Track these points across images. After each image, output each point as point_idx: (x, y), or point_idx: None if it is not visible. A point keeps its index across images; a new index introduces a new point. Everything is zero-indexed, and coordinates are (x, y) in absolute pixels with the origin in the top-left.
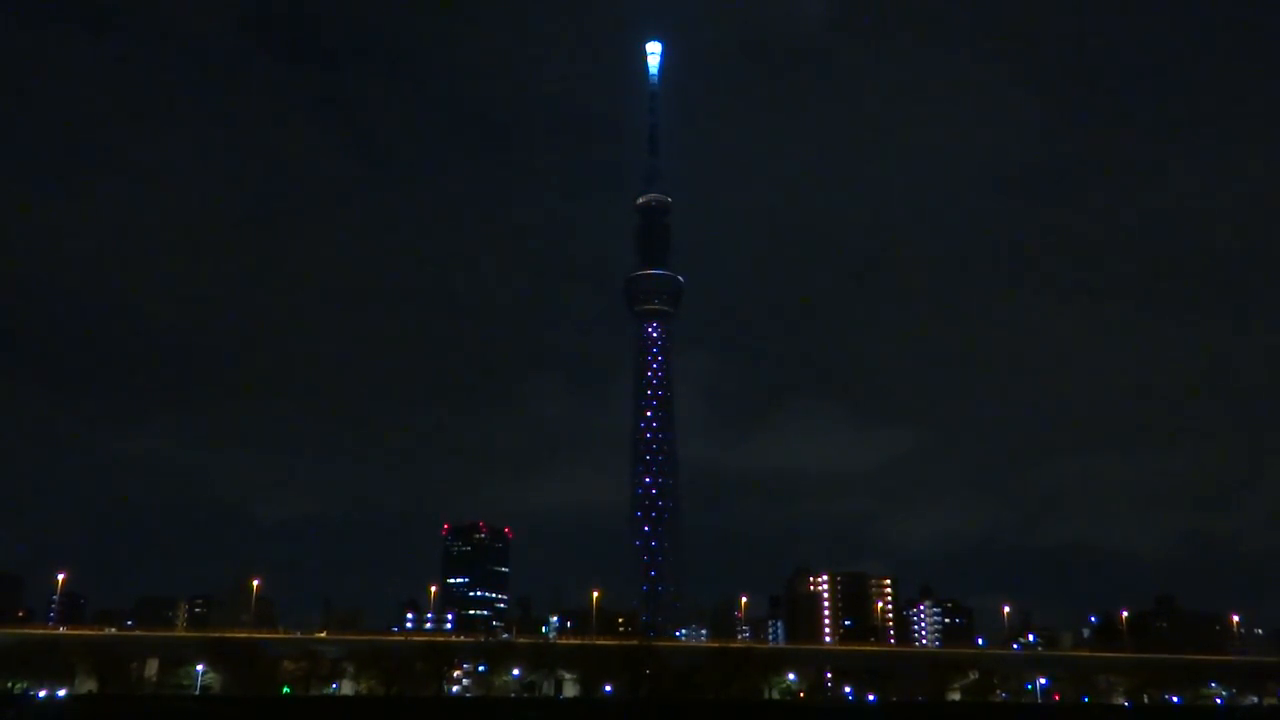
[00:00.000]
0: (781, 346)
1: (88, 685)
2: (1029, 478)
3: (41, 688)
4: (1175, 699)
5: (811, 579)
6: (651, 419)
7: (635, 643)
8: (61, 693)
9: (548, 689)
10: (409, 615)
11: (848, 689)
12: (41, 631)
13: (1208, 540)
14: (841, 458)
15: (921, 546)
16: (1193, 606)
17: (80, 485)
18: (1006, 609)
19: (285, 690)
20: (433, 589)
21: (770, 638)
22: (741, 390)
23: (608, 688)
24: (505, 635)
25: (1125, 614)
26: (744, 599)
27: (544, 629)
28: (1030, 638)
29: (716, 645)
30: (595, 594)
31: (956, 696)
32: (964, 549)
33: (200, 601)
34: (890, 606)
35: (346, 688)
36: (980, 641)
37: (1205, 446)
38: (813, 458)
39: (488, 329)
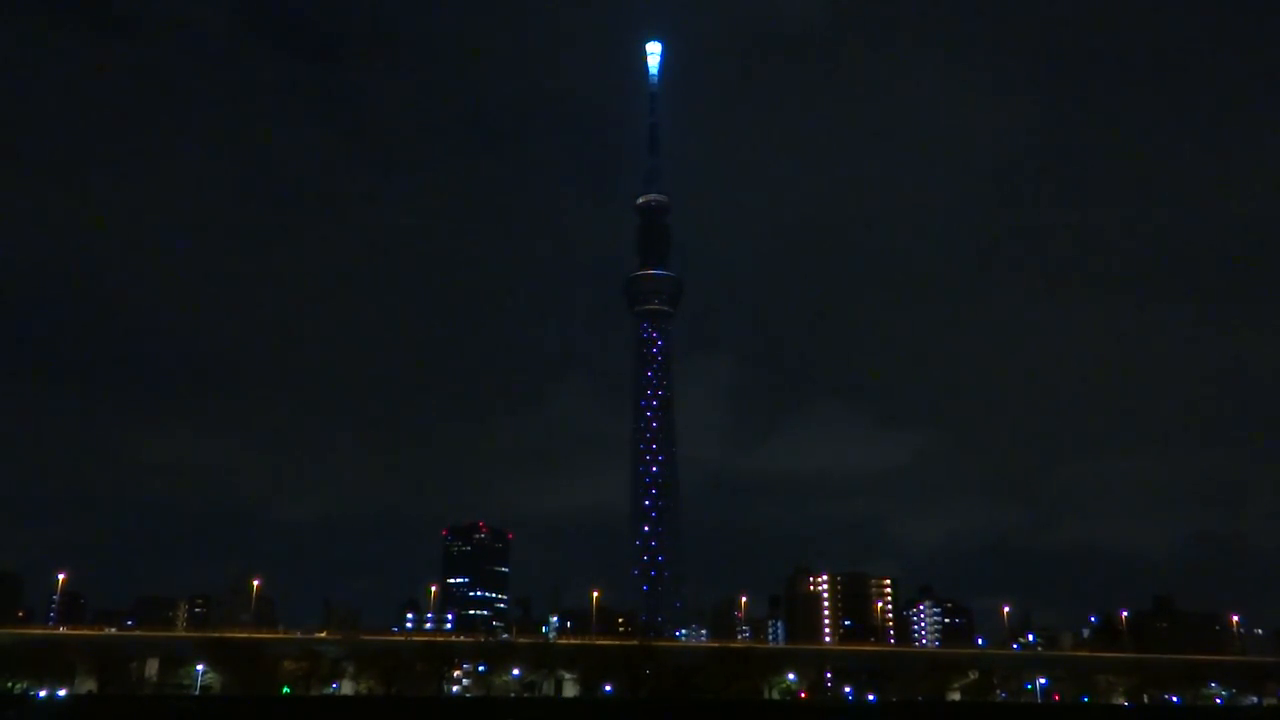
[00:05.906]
0: (789, 348)
1: (88, 685)
2: (1037, 479)
3: (41, 687)
4: (1175, 699)
5: (811, 579)
6: (651, 419)
7: (635, 643)
8: (61, 693)
9: (548, 689)
10: (409, 615)
11: (848, 689)
12: (41, 631)
13: (1209, 540)
14: (850, 460)
15: (928, 548)
16: (1193, 606)
17: (81, 485)
18: (1006, 609)
19: (285, 690)
20: (433, 589)
21: (770, 638)
22: (751, 392)
23: (608, 688)
24: (505, 635)
25: (1125, 614)
26: (744, 599)
27: (544, 629)
28: (1030, 638)
29: (716, 645)
30: (595, 594)
31: (956, 696)
32: (970, 550)
33: (200, 601)
34: (890, 606)
35: (346, 688)
36: (980, 641)
37: (1207, 447)
38: (821, 459)
39: (488, 330)
